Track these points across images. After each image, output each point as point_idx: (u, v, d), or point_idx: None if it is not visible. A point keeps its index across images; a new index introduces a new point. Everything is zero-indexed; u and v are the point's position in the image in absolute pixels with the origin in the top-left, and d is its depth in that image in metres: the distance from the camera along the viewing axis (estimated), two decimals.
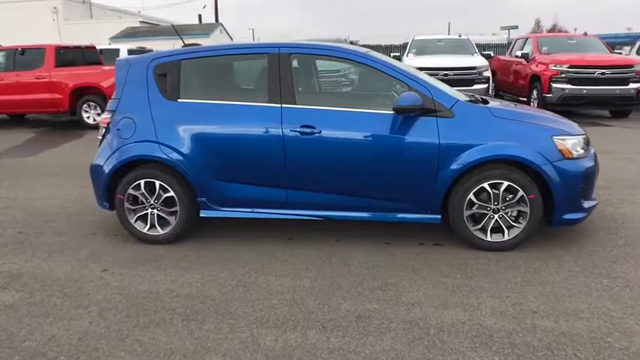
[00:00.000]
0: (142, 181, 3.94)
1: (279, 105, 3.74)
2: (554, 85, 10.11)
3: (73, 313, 3.02)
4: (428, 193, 3.66)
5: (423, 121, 3.59)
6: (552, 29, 54.19)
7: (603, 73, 9.84)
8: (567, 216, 3.64)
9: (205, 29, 34.35)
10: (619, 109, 10.40)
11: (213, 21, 32.70)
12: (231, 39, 39.23)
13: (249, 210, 3.92)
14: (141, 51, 13.51)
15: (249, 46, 3.92)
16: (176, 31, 4.69)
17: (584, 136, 3.77)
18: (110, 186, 4.03)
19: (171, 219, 4.00)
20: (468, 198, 3.63)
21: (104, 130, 4.05)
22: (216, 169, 3.84)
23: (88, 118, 10.83)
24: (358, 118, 3.69)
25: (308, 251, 3.83)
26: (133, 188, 3.96)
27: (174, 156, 3.84)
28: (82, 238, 4.29)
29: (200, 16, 27.67)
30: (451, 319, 2.82)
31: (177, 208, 3.95)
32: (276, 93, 3.75)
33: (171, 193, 3.92)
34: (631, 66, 9.88)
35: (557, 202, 3.57)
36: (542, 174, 3.51)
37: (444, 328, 2.73)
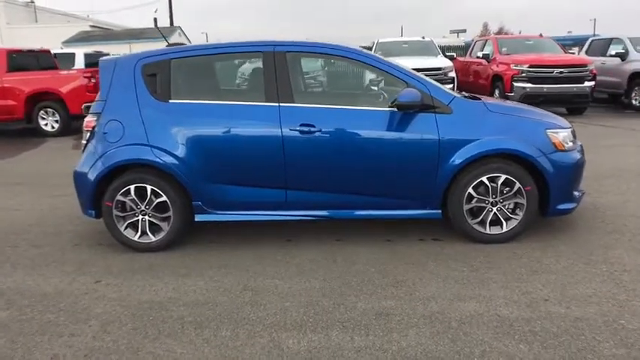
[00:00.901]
0: (132, 187, 3.75)
1: (277, 104, 3.66)
2: (515, 84, 10.50)
3: (73, 329, 2.82)
4: (429, 188, 3.68)
5: (423, 117, 3.61)
6: (499, 32, 56.48)
7: (561, 72, 10.32)
8: (561, 206, 3.76)
9: (164, 33, 33.41)
10: (575, 106, 10.92)
11: (168, 25, 31.97)
12: (190, 42, 38.41)
13: (247, 212, 3.81)
14: (98, 55, 12.96)
15: (242, 45, 3.81)
16: (160, 31, 4.51)
17: (571, 129, 3.91)
18: (97, 193, 3.82)
19: (164, 225, 3.83)
20: (467, 192, 3.68)
21: (88, 135, 3.83)
22: (212, 171, 3.71)
23: (46, 125, 10.28)
24: (358, 115, 3.67)
25: (310, 252, 3.77)
26: (122, 194, 3.77)
27: (168, 159, 3.68)
28: (65, 249, 4.03)
29: (155, 20, 26.99)
30: (469, 311, 2.84)
31: (170, 214, 3.79)
32: (273, 92, 3.67)
33: (164, 198, 3.76)
34: (585, 65, 10.41)
35: (552, 193, 3.68)
36: (538, 166, 3.61)
37: (465, 321, 2.74)
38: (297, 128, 3.61)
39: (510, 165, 3.64)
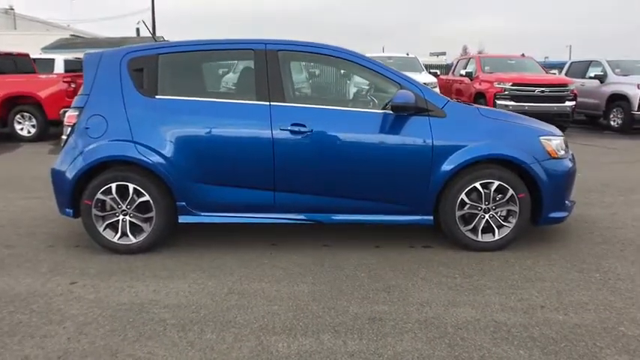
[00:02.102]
0: (114, 185, 3.58)
1: (268, 103, 3.56)
2: (498, 101, 10.63)
3: (45, 330, 2.62)
4: (421, 194, 3.60)
5: (416, 120, 3.56)
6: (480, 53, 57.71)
7: (542, 91, 10.50)
8: (553, 214, 3.72)
9: (145, 42, 33.14)
10: (556, 124, 11.07)
11: (150, 35, 31.74)
12: None
13: (234, 215, 3.67)
14: (78, 62, 12.71)
15: (232, 42, 3.72)
16: (147, 27, 4.39)
17: (563, 137, 3.91)
18: (75, 191, 3.64)
19: (146, 226, 3.65)
20: (460, 198, 3.61)
21: (69, 130, 3.66)
22: (198, 170, 3.58)
23: (22, 130, 9.94)
24: (351, 117, 3.59)
25: (297, 256, 3.64)
26: (102, 193, 3.59)
27: (152, 157, 3.53)
28: (39, 250, 3.82)
29: (138, 29, 26.72)
30: (465, 317, 2.74)
31: (152, 214, 3.62)
32: (264, 90, 3.58)
33: (147, 198, 3.59)
34: (566, 85, 10.63)
35: (545, 201, 3.64)
36: (532, 173, 3.58)
37: (461, 326, 2.65)
38: (288, 128, 3.51)
39: (504, 171, 3.60)
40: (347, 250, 3.77)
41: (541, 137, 3.68)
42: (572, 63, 13.39)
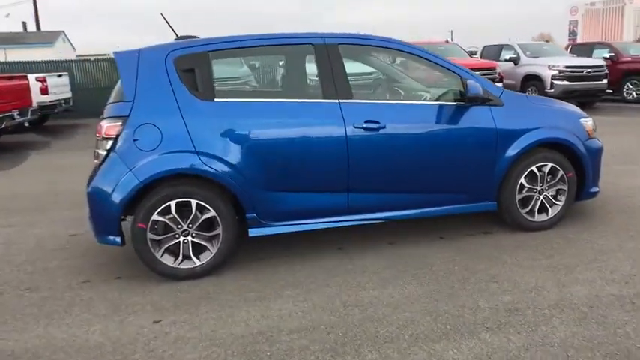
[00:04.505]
0: (173, 203, 3.14)
1: (337, 100, 3.36)
2: None
3: None
4: (487, 181, 3.68)
5: (479, 110, 3.61)
6: None
7: None
8: (592, 190, 4.03)
9: (47, 38, 29.61)
10: None
11: (35, 29, 28.17)
12: (74, 49, 34.47)
13: (307, 222, 3.43)
14: None
15: (288, 36, 3.43)
16: (166, 21, 3.86)
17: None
18: (123, 213, 3.14)
19: (210, 245, 3.27)
20: (519, 182, 3.76)
21: (110, 144, 3.12)
22: (268, 177, 3.28)
23: None
24: (422, 110, 3.53)
25: (373, 258, 3.52)
26: (159, 213, 3.14)
27: (218, 166, 3.16)
28: (74, 289, 3.24)
29: (25, 23, 23.45)
30: (584, 295, 2.86)
31: (218, 231, 3.25)
32: (330, 87, 3.37)
33: (212, 213, 3.21)
34: (494, 68, 11.51)
35: (587, 178, 3.93)
36: (579, 153, 3.83)
37: (591, 304, 2.76)
38: (363, 126, 3.35)
39: (554, 154, 3.81)
40: (413, 245, 3.73)
41: (580, 119, 3.95)
42: (485, 47, 14.51)
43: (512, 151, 3.65)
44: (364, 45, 3.66)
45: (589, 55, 13.95)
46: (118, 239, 3.18)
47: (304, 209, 3.41)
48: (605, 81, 12.17)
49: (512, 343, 2.43)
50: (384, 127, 3.40)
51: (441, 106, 3.57)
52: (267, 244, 3.78)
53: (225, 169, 3.17)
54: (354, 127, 3.35)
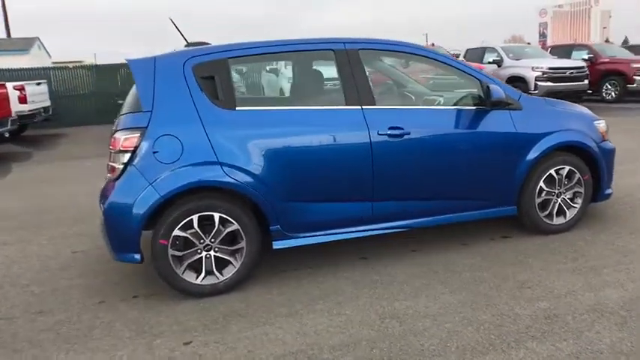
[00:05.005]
0: (196, 217, 3.01)
1: (360, 107, 3.29)
2: None
3: None
4: (508, 185, 3.66)
5: (499, 114, 3.58)
6: None
7: None
8: (607, 191, 4.06)
9: (21, 45, 28.70)
10: None
11: (5, 35, 27.32)
12: (50, 56, 33.53)
13: (333, 232, 3.34)
14: None
15: (308, 42, 3.33)
16: (176, 27, 3.72)
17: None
18: (142, 229, 2.99)
19: (234, 259, 3.15)
20: (539, 186, 3.75)
21: (128, 156, 2.97)
22: (292, 188, 3.18)
23: None
24: (444, 115, 3.49)
25: (401, 267, 3.45)
26: (181, 228, 3.00)
27: (242, 178, 3.04)
28: (89, 310, 3.07)
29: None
30: (615, 298, 2.85)
31: (242, 244, 3.13)
32: (353, 94, 3.29)
33: (235, 226, 3.09)
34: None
35: (602, 180, 3.95)
36: (595, 156, 3.85)
37: (627, 308, 2.74)
38: (387, 132, 3.29)
39: (572, 157, 3.81)
40: (437, 252, 3.68)
41: (594, 122, 3.97)
42: (468, 50, 14.67)
43: (532, 155, 3.64)
44: (384, 50, 3.60)
45: (568, 56, 14.26)
46: (138, 257, 3.03)
47: (329, 219, 3.32)
48: (586, 82, 12.46)
49: (560, 352, 2.39)
50: (408, 134, 3.34)
51: (462, 110, 3.54)
52: (284, 256, 3.66)
53: (249, 179, 3.06)
54: (378, 133, 3.28)
